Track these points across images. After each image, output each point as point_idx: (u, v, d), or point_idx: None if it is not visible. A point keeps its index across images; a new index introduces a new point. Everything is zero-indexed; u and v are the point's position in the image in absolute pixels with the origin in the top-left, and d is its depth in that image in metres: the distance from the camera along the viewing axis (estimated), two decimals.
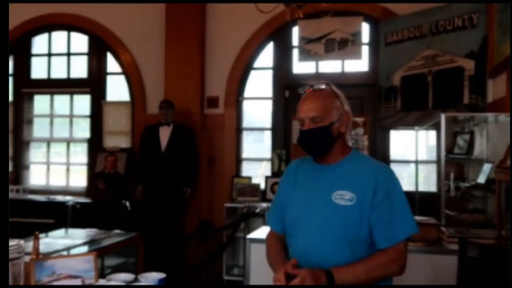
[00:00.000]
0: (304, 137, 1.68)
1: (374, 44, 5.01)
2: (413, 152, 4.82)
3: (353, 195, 1.62)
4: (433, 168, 4.93)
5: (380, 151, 4.93)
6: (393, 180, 1.66)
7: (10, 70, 6.01)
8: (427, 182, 5.07)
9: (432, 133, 4.87)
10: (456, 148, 4.13)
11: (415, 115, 4.53)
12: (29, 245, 1.86)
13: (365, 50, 5.04)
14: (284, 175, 1.86)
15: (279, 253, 1.77)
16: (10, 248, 1.44)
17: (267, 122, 5.42)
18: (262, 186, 5.11)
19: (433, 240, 2.74)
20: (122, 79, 5.70)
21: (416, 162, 4.80)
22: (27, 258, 1.58)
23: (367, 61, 5.07)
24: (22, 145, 5.96)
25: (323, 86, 1.70)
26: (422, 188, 4.85)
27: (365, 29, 5.05)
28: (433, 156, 4.93)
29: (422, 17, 4.47)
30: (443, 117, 3.51)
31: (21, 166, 5.94)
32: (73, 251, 2.78)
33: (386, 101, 4.75)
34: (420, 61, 4.47)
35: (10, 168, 5.89)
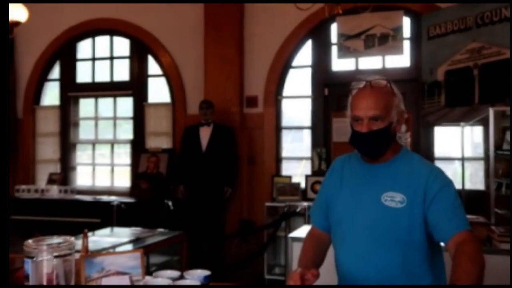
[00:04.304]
0: (364, 139, 1.58)
1: (416, 39, 4.88)
2: (458, 149, 4.67)
3: (404, 196, 1.55)
4: (479, 166, 4.76)
5: (423, 149, 4.79)
6: (445, 180, 1.57)
7: (57, 76, 6.25)
8: (474, 180, 4.90)
9: (478, 129, 4.69)
10: (505, 144, 3.96)
11: (460, 110, 4.38)
12: (78, 243, 1.92)
13: (406, 45, 4.92)
14: (330, 171, 1.80)
15: (306, 255, 1.72)
16: (61, 245, 1.49)
17: (306, 121, 5.39)
18: (302, 185, 5.08)
19: (483, 240, 2.64)
20: (163, 81, 5.81)
21: (462, 159, 4.64)
22: (76, 255, 1.63)
23: (408, 56, 4.95)
24: (69, 147, 6.17)
25: (384, 83, 1.59)
26: (468, 186, 4.68)
27: (406, 23, 4.93)
28: (478, 153, 4.76)
29: (467, 9, 4.31)
30: (491, 112, 3.39)
31: (68, 168, 6.15)
32: (118, 249, 2.84)
33: (429, 96, 4.62)
34: (465, 54, 4.32)
35: (58, 170, 6.12)
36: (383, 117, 1.56)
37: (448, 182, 1.58)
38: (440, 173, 1.60)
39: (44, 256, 1.43)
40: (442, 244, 1.58)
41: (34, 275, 1.43)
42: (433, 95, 4.59)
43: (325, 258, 1.75)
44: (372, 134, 1.56)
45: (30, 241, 1.47)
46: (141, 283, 1.52)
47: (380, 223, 1.56)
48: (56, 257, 1.45)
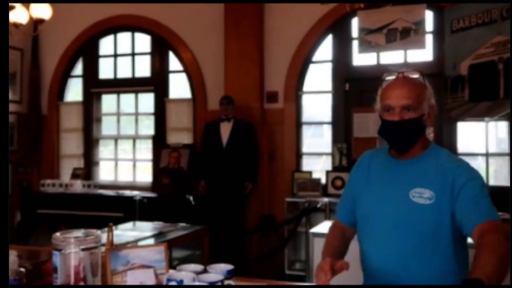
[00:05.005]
0: (395, 128, 1.56)
1: (438, 32, 4.80)
2: (482, 145, 4.59)
3: (432, 193, 1.53)
4: (503, 161, 4.67)
5: (446, 144, 4.72)
6: (472, 174, 1.56)
7: (80, 72, 6.35)
8: (498, 176, 4.81)
9: (503, 124, 4.61)
10: None
11: (484, 105, 4.30)
12: (102, 236, 1.96)
13: (429, 39, 4.85)
14: (357, 166, 1.79)
15: (331, 245, 1.71)
16: (87, 238, 1.52)
17: (327, 116, 5.36)
18: (323, 180, 5.07)
19: (507, 237, 2.59)
20: (183, 76, 5.84)
21: (486, 155, 4.57)
22: (102, 249, 1.66)
23: (431, 50, 4.88)
24: (92, 143, 6.28)
25: (416, 75, 1.60)
26: (492, 182, 4.60)
27: (429, 17, 4.85)
28: (503, 148, 4.67)
29: (491, 2, 4.22)
30: None
31: (91, 163, 6.26)
32: (141, 243, 2.88)
33: (452, 91, 4.55)
34: (490, 48, 4.23)
35: (82, 165, 6.23)
36: (415, 107, 1.55)
37: (475, 176, 1.56)
38: (467, 167, 1.58)
39: (72, 249, 1.46)
40: (470, 240, 1.55)
41: (62, 267, 1.46)
42: (456, 90, 4.51)
43: (351, 255, 1.74)
44: (403, 123, 1.55)
45: (58, 234, 1.50)
46: (165, 277, 1.55)
47: (408, 220, 1.54)
48: (83, 250, 1.48)
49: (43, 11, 4.08)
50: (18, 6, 3.84)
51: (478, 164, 4.84)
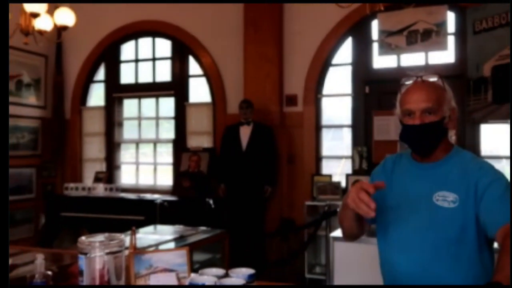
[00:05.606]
0: (416, 132, 1.56)
1: (460, 34, 4.74)
2: (506, 147, 4.49)
3: (456, 196, 1.52)
4: None
5: (469, 147, 4.65)
6: (496, 175, 1.54)
7: (102, 77, 6.45)
8: None
9: None
10: None
11: (508, 107, 4.22)
12: (125, 240, 1.98)
13: (450, 40, 4.79)
14: (380, 168, 1.77)
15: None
16: (111, 242, 1.54)
17: (347, 119, 5.33)
18: (343, 184, 5.04)
19: None
20: (203, 81, 5.89)
21: (511, 158, 4.47)
22: (125, 252, 1.69)
23: (453, 52, 4.82)
24: (113, 147, 6.37)
25: (435, 78, 1.60)
26: None
27: (451, 18, 4.79)
28: None
29: None
30: None
31: (113, 166, 6.34)
32: (162, 247, 2.90)
33: (475, 93, 4.48)
34: None
35: (104, 168, 6.32)
36: (436, 110, 1.55)
37: (499, 177, 1.54)
38: (491, 168, 1.56)
39: (97, 252, 1.48)
40: (495, 245, 1.53)
41: (87, 270, 1.49)
42: (479, 92, 4.44)
43: (369, 259, 1.73)
44: (424, 127, 1.54)
45: (83, 238, 1.53)
46: (187, 280, 1.56)
47: (432, 224, 1.53)
48: (107, 253, 1.50)
49: (67, 18, 4.16)
50: (43, 14, 3.92)
51: (502, 166, 4.75)
